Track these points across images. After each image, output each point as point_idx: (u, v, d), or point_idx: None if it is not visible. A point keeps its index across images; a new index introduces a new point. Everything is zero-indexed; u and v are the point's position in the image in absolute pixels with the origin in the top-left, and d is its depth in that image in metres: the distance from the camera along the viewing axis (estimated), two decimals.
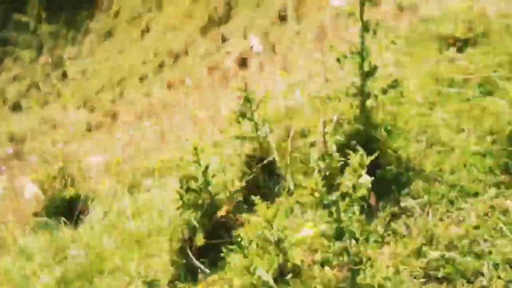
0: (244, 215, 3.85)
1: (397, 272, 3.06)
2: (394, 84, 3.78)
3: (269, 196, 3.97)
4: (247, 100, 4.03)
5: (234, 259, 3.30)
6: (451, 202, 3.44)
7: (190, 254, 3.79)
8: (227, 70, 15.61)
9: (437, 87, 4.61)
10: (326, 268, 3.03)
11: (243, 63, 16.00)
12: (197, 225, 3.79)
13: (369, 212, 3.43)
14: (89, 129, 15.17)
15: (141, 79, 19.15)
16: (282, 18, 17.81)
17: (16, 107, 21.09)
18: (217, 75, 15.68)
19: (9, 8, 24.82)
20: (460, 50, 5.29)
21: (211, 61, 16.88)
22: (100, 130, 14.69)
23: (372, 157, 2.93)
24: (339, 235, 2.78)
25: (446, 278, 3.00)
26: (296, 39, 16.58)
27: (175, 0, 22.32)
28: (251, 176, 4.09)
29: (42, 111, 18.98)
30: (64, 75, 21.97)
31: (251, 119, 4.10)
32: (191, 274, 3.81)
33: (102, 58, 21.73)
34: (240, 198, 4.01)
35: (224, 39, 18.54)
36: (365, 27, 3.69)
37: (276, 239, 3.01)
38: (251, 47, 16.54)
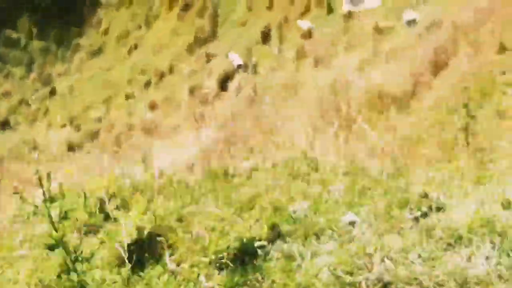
0: None
1: None
2: None
3: None
4: None
5: None
6: None
7: None
8: (208, 91, 15.76)
9: None
10: None
11: (224, 83, 16.15)
12: None
13: None
14: (70, 149, 15.30)
15: (127, 97, 19.30)
16: (266, 38, 17.97)
17: (5, 124, 21.22)
18: (198, 96, 15.83)
19: (0, 25, 25.01)
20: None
21: (194, 81, 17.03)
22: (81, 151, 14.83)
23: None
24: None
25: None
26: (278, 59, 16.74)
27: (163, 18, 22.51)
28: None
29: (27, 129, 19.12)
30: (53, 92, 22.11)
31: None
32: None
33: (89, 75, 21.89)
34: None
35: (209, 58, 18.69)
36: None
37: None
38: (233, 67, 16.70)
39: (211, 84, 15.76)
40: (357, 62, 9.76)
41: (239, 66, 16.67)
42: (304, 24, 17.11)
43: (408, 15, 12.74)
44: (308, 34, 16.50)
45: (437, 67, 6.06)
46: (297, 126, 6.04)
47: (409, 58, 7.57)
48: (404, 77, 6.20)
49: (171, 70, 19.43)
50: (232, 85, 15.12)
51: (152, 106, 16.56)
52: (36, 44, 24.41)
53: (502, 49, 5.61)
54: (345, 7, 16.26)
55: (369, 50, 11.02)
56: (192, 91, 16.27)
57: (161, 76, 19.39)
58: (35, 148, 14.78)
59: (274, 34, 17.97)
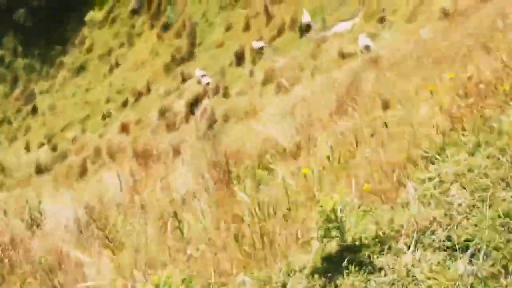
0: None
1: None
2: None
3: None
4: None
5: None
6: None
7: None
8: (177, 114, 15.91)
9: None
10: None
11: (194, 105, 16.28)
12: None
13: None
14: (39, 171, 15.46)
15: (104, 117, 19.46)
16: (240, 59, 18.10)
17: None
18: (167, 119, 15.98)
19: None
20: None
21: (166, 102, 17.17)
22: (48, 173, 14.98)
23: None
24: None
25: None
26: (250, 82, 16.87)
27: (144, 37, 22.71)
28: None
29: (6, 148, 19.32)
30: (35, 109, 22.32)
31: None
32: None
33: (70, 93, 22.10)
34: None
35: (184, 79, 18.84)
36: None
37: None
38: (203, 86, 16.87)
39: (180, 107, 15.91)
40: (301, 95, 9.86)
41: (207, 84, 16.90)
42: (257, 44, 17.54)
43: (363, 41, 12.89)
44: (260, 54, 17.07)
45: (324, 125, 6.00)
46: (182, 176, 6.06)
47: (316, 106, 7.59)
48: (296, 130, 6.19)
49: (148, 89, 19.59)
50: (198, 109, 15.27)
51: (124, 128, 16.71)
52: (20, 61, 24.66)
53: (385, 105, 5.58)
54: (305, 19, 16.82)
55: (317, 81, 11.13)
56: (162, 113, 16.42)
57: (139, 95, 19.56)
58: (3, 170, 14.95)
59: (247, 56, 18.10)
